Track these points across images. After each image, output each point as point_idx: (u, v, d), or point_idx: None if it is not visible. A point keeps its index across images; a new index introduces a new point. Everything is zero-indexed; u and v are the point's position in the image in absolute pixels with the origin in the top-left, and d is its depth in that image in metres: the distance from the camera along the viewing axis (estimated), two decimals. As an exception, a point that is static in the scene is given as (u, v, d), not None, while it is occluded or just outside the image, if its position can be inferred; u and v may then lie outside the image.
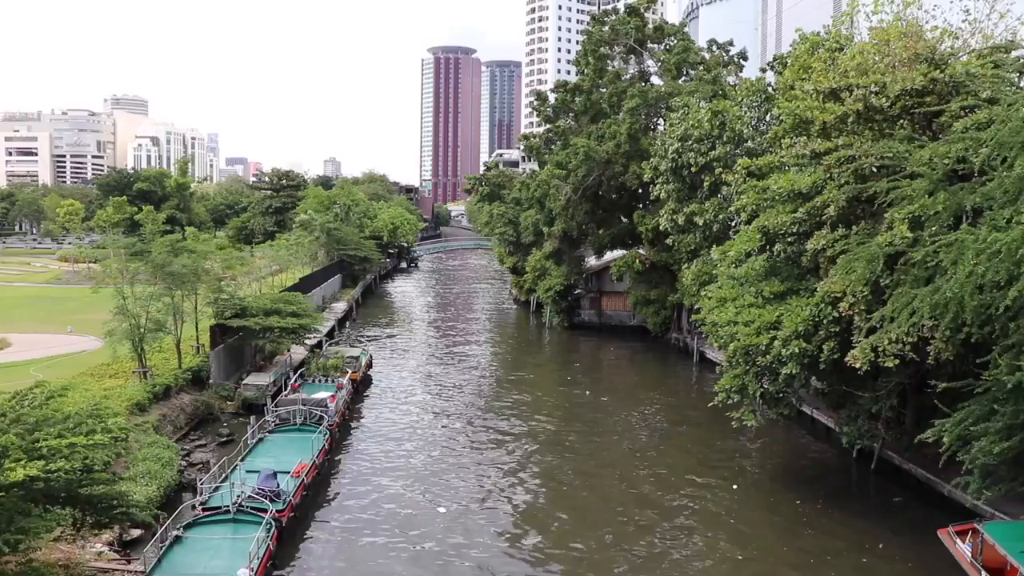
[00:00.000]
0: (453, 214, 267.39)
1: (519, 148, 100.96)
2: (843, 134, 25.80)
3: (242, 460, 27.03)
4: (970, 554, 19.59)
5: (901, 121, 24.91)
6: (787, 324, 24.71)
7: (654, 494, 28.47)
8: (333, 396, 35.27)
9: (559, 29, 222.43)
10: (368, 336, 60.48)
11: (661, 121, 57.60)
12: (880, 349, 21.62)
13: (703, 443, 34.42)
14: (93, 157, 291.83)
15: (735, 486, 29.17)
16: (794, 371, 24.80)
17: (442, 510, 26.90)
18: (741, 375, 26.87)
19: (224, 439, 33.39)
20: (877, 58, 26.02)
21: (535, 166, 74.07)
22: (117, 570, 20.46)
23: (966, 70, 24.49)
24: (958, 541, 20.27)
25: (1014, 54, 26.34)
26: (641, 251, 57.51)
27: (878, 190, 23.05)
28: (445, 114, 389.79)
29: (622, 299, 63.42)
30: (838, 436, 30.14)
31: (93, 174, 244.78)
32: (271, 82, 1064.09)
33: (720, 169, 40.80)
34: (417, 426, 36.91)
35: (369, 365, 46.42)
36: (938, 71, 24.25)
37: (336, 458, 31.88)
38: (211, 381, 38.95)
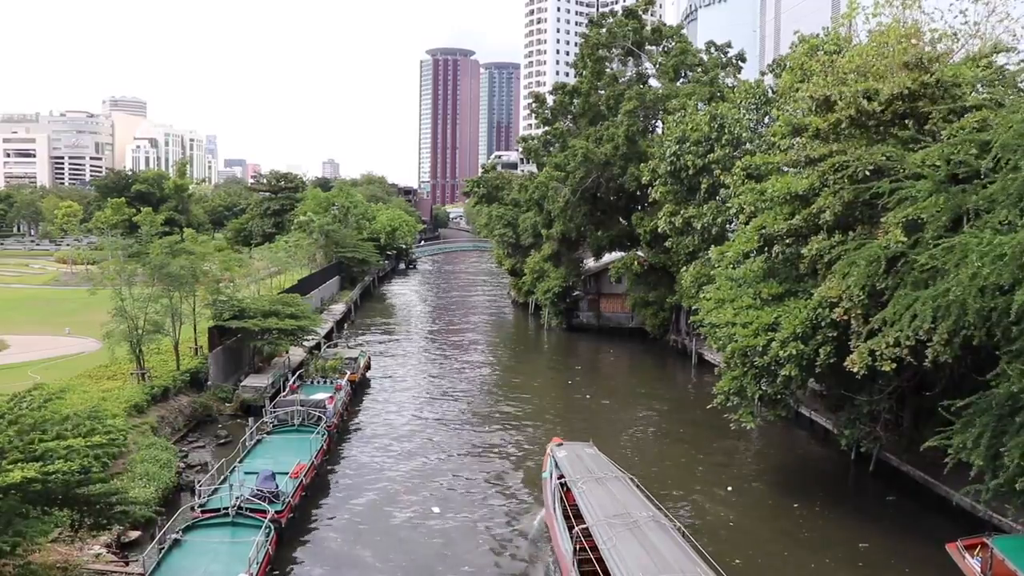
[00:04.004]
0: (452, 216, 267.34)
1: (517, 150, 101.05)
2: (838, 139, 25.81)
3: (240, 462, 27.00)
4: (979, 569, 19.36)
5: (904, 122, 24.90)
6: (785, 326, 24.71)
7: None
8: (331, 397, 35.26)
9: (557, 31, 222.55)
10: (366, 338, 60.43)
11: (659, 123, 57.69)
12: (877, 353, 21.61)
13: (701, 445, 34.41)
14: (91, 159, 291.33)
15: (730, 488, 29.19)
16: (792, 373, 24.79)
17: (437, 510, 26.91)
18: (739, 376, 26.89)
19: (222, 441, 33.36)
20: (875, 60, 26.01)
21: (534, 168, 74.13)
22: (115, 572, 20.40)
23: (954, 73, 24.54)
24: (967, 556, 19.99)
25: (1010, 59, 26.36)
26: (640, 253, 57.52)
27: (880, 190, 23.04)
28: (444, 116, 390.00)
29: (620, 301, 63.44)
30: (836, 438, 30.14)
31: (91, 176, 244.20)
32: (270, 84, 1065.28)
33: (719, 172, 40.86)
34: (415, 427, 36.89)
35: (367, 367, 46.40)
36: (927, 75, 24.29)
37: (334, 459, 31.86)
38: (209, 383, 38.91)
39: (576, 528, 20.41)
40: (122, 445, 19.19)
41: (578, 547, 19.95)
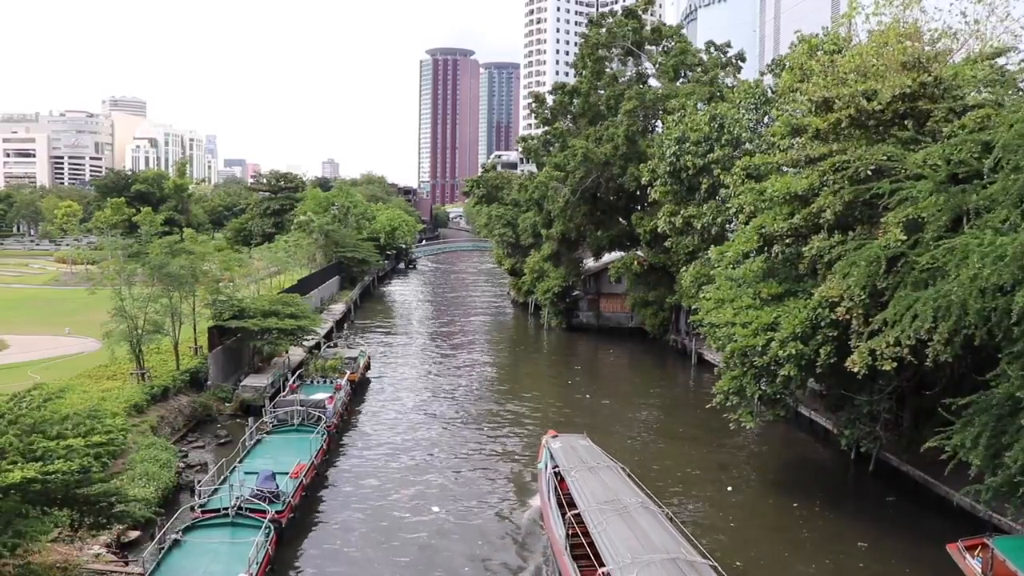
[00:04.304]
0: (452, 216, 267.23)
1: (517, 150, 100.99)
2: (838, 139, 25.79)
3: (240, 462, 27.00)
4: (980, 569, 19.31)
5: (905, 122, 24.89)
6: (784, 326, 24.70)
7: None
8: (331, 397, 35.26)
9: (557, 31, 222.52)
10: (366, 337, 60.39)
11: (659, 123, 57.67)
12: (878, 352, 21.60)
13: (701, 444, 34.41)
14: (91, 158, 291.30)
15: (730, 488, 29.17)
16: (792, 373, 24.78)
17: (436, 509, 26.92)
18: (739, 376, 26.89)
19: (222, 441, 33.35)
20: (875, 60, 25.99)
21: (533, 168, 74.14)
22: (115, 572, 20.40)
23: (954, 72, 24.51)
24: (968, 556, 19.92)
25: (1010, 59, 26.36)
26: (639, 253, 57.52)
27: (880, 190, 23.03)
28: (443, 116, 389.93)
29: (620, 301, 63.43)
30: (836, 437, 30.13)
31: (91, 175, 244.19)
32: (269, 84, 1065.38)
33: (719, 172, 40.85)
34: (414, 427, 36.88)
35: (367, 366, 46.39)
36: (926, 75, 24.27)
37: (334, 459, 31.85)
38: (209, 383, 38.90)
39: (568, 514, 21.14)
40: (122, 445, 19.19)
41: (570, 532, 20.75)
